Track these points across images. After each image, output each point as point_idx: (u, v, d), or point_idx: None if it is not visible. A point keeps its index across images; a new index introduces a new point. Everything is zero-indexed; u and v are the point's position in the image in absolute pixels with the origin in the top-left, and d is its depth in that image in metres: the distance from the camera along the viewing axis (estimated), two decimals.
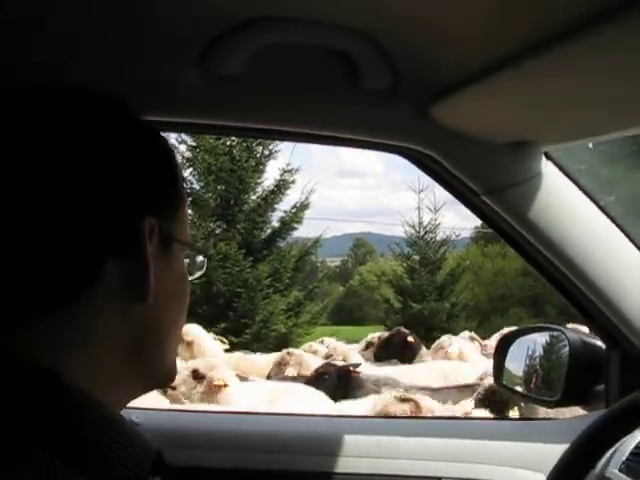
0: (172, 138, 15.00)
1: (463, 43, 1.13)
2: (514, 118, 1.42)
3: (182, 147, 16.18)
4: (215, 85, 1.34)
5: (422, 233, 19.62)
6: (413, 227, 19.69)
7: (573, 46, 0.95)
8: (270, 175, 17.21)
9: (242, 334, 15.05)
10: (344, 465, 1.77)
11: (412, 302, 18.85)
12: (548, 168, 1.57)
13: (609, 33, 0.90)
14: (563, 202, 1.59)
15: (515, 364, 2.14)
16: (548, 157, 1.57)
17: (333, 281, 34.06)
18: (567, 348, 1.92)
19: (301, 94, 1.42)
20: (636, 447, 1.66)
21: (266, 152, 16.67)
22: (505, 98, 1.28)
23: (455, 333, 11.05)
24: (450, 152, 1.53)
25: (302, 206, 17.26)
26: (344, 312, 31.25)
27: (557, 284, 1.73)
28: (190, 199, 15.40)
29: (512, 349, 2.12)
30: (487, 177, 1.57)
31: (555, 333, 1.98)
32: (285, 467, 1.77)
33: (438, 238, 19.71)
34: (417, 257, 19.70)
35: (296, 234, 17.94)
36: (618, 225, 1.65)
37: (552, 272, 1.69)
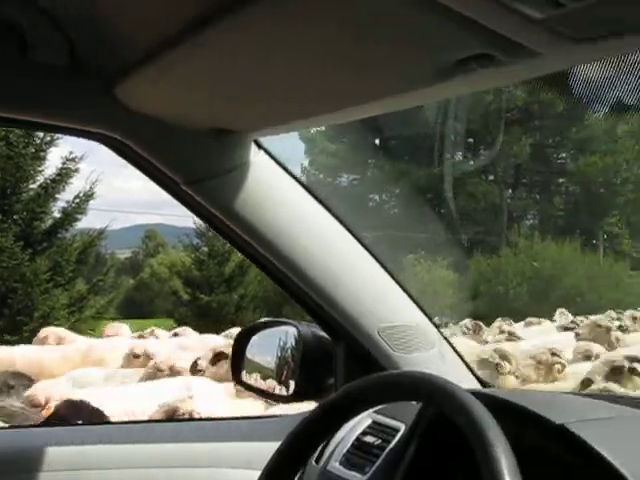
0: None
1: (136, 21, 1.06)
2: (199, 102, 1.35)
3: None
4: None
5: None
6: None
7: (225, 26, 0.90)
8: (52, 163, 16.43)
9: (19, 332, 14.26)
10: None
11: (201, 294, 18.78)
12: (259, 157, 1.52)
13: (256, 12, 0.85)
14: (275, 194, 1.55)
15: (263, 359, 2.12)
16: (259, 146, 1.53)
17: (123, 273, 33.13)
18: (300, 343, 1.93)
19: None
20: (357, 439, 1.69)
21: (47, 139, 15.90)
22: (178, 79, 1.22)
23: (243, 325, 11.07)
24: (144, 138, 1.44)
25: (86, 196, 16.63)
26: (134, 305, 30.53)
27: (275, 278, 1.70)
28: None
29: (252, 344, 2.10)
30: (187, 166, 1.49)
31: (289, 328, 1.97)
32: None
33: None
34: (206, 249, 19.63)
35: (83, 225, 17.29)
36: (338, 218, 1.65)
37: (268, 266, 1.66)
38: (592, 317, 10.74)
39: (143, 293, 33.37)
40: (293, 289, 1.69)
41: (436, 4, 0.72)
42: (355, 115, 1.23)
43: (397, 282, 1.78)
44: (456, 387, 1.15)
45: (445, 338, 1.93)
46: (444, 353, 1.88)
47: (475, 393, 1.19)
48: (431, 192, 27.30)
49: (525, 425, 1.26)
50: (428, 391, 1.19)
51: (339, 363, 1.83)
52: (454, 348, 1.97)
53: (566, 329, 11.16)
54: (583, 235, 26.70)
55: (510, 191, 28.48)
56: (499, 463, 0.99)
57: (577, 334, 8.69)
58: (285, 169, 1.55)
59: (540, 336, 10.78)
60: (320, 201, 1.62)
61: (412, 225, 24.01)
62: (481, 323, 13.30)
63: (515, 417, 1.26)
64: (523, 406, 1.27)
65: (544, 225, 27.38)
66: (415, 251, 24.44)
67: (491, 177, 28.11)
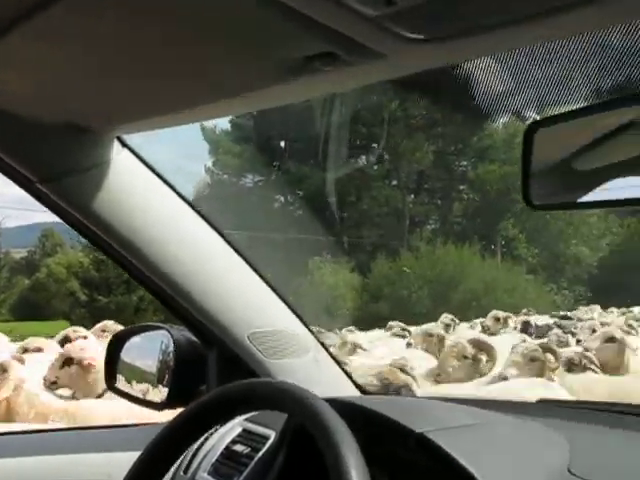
0: None
1: None
2: (49, 95, 1.25)
3: None
4: None
5: None
6: None
7: (59, 12, 0.84)
8: None
9: None
10: None
11: (99, 295, 18.38)
12: (122, 156, 1.45)
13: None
14: (139, 194, 1.49)
15: (140, 364, 2.06)
16: (123, 144, 1.46)
17: (18, 273, 32.05)
18: (173, 348, 1.88)
19: None
20: (226, 448, 1.65)
21: None
22: (19, 69, 1.12)
23: None
24: None
25: None
26: (30, 306, 29.59)
27: (140, 282, 1.65)
28: None
29: (128, 349, 2.03)
30: (42, 163, 1.40)
31: (162, 332, 1.92)
32: None
33: None
34: None
35: None
36: (208, 221, 1.61)
37: (132, 270, 1.60)
38: (424, 326, 10.17)
39: (39, 294, 32.37)
40: (159, 292, 1.63)
41: (274, 1, 0.69)
42: (210, 114, 1.19)
43: (271, 287, 1.75)
44: (309, 395, 1.13)
45: (322, 344, 1.91)
46: (319, 359, 1.86)
47: (331, 401, 1.17)
48: (336, 195, 27.55)
49: (386, 433, 1.25)
50: (281, 399, 1.16)
51: (211, 369, 1.79)
52: (331, 354, 1.95)
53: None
54: (482, 240, 27.46)
55: (413, 196, 29.01)
56: (347, 473, 0.97)
57: (409, 344, 8.27)
58: (151, 169, 1.49)
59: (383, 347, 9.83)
60: (189, 203, 1.56)
61: (317, 228, 24.15)
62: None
63: (376, 425, 1.25)
64: (383, 414, 1.25)
65: (445, 230, 28.00)
66: (320, 254, 24.60)
67: (394, 182, 28.55)
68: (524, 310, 16.36)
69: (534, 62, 1.11)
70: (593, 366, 6.06)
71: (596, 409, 2.00)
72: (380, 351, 8.39)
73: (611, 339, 6.40)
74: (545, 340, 8.43)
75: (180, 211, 1.56)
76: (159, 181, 1.51)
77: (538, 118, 1.20)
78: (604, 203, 1.21)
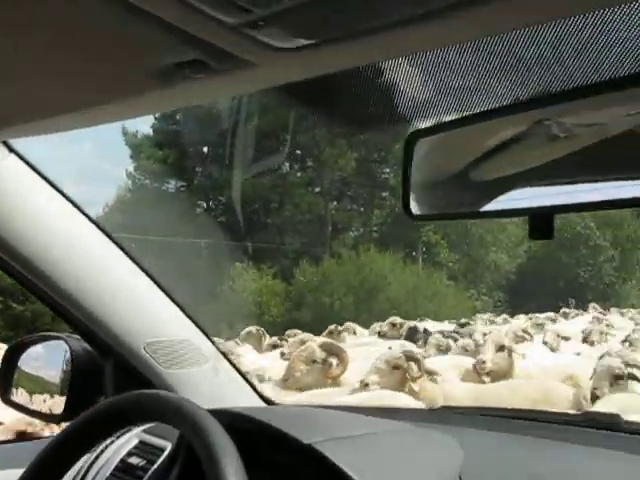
0: None
1: None
2: None
3: None
4: None
5: None
6: None
7: None
8: None
9: None
10: None
11: (13, 303, 17.83)
12: (7, 161, 1.41)
13: None
14: (26, 201, 1.45)
15: (41, 374, 1.99)
16: (10, 149, 1.42)
17: None
18: (70, 358, 1.83)
19: None
20: (121, 461, 1.61)
21: None
22: None
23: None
24: None
25: None
26: None
27: (31, 291, 1.60)
28: None
29: (26, 359, 1.97)
30: None
31: (59, 342, 1.87)
32: None
33: None
34: None
35: None
36: (102, 230, 1.57)
37: (23, 280, 1.55)
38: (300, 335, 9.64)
39: None
40: (51, 302, 1.58)
41: (137, 8, 0.68)
42: (94, 120, 1.16)
43: (169, 296, 1.73)
44: (191, 407, 1.11)
45: (222, 353, 1.89)
46: (220, 369, 1.84)
47: (219, 412, 1.15)
48: (258, 201, 27.48)
49: (274, 444, 1.24)
50: (164, 412, 1.14)
51: (108, 380, 1.75)
52: (232, 363, 1.94)
53: (274, 347, 10.00)
54: (404, 247, 27.77)
55: (335, 203, 29.15)
56: None
57: (282, 353, 7.99)
58: (40, 174, 1.45)
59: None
60: (81, 211, 1.53)
61: (240, 234, 24.05)
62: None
63: (265, 436, 1.24)
64: (271, 425, 1.24)
65: (367, 236, 28.24)
66: (242, 260, 24.49)
67: (317, 189, 28.65)
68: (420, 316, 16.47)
69: (447, 68, 1.12)
70: (484, 374, 6.20)
71: (495, 415, 2.04)
72: (248, 358, 8.10)
73: (501, 347, 6.46)
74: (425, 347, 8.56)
75: (70, 217, 1.52)
76: (48, 186, 1.47)
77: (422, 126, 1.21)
78: (485, 214, 1.23)
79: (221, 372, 1.85)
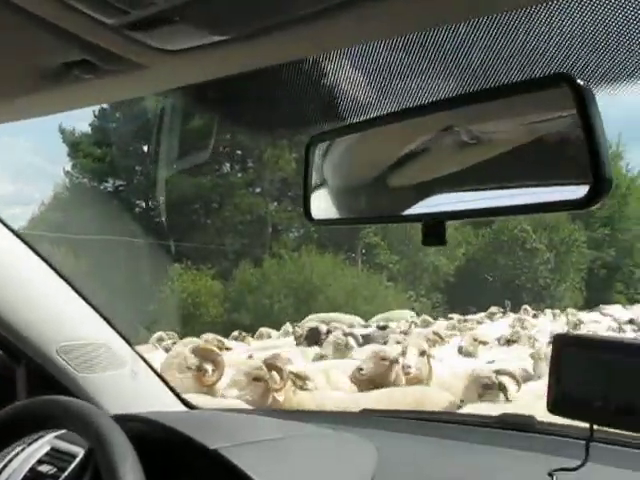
0: None
1: None
2: None
3: None
4: None
5: None
6: None
7: None
8: None
9: None
10: None
11: None
12: None
13: None
14: None
15: None
16: None
17: None
18: None
19: None
20: (31, 469, 1.57)
21: None
22: None
23: None
24: None
25: None
26: None
27: None
28: None
29: None
30: None
31: None
32: None
33: None
34: None
35: None
36: (13, 231, 1.53)
37: None
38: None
39: None
40: None
41: (15, 6, 0.66)
42: None
43: (85, 300, 1.69)
44: (93, 413, 1.09)
45: (141, 357, 1.87)
46: (137, 372, 1.81)
47: (124, 418, 1.13)
48: (199, 201, 27.27)
49: (181, 449, 1.22)
50: (67, 418, 1.11)
51: (20, 385, 1.70)
52: (152, 368, 1.91)
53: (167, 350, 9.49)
54: (344, 248, 27.89)
55: (276, 204, 29.09)
56: None
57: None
58: None
59: None
60: None
61: (179, 235, 23.82)
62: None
63: (171, 442, 1.22)
64: (178, 430, 1.22)
65: (308, 237, 28.22)
66: (181, 261, 24.26)
67: (258, 189, 28.56)
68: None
69: (348, 70, 1.11)
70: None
71: (413, 418, 2.06)
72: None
73: (384, 358, 6.34)
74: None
75: None
76: None
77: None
78: (382, 219, 1.24)
79: (140, 376, 1.82)
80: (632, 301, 34.99)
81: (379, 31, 0.81)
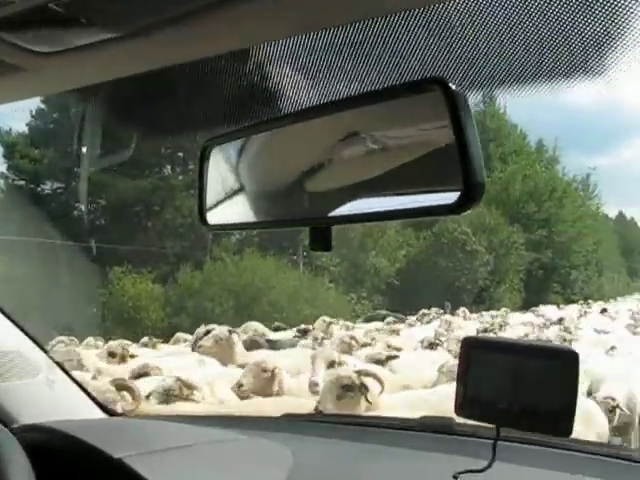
0: None
1: None
2: None
3: None
4: None
5: None
6: None
7: None
8: None
9: None
10: None
11: None
12: None
13: None
14: None
15: None
16: None
17: None
18: None
19: None
20: None
21: None
22: None
23: None
24: None
25: None
26: None
27: None
28: None
29: None
30: None
31: None
32: None
33: None
34: None
35: None
36: None
37: None
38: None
39: None
40: None
41: None
42: None
43: None
44: None
45: (58, 364, 1.83)
46: (54, 380, 1.78)
47: (22, 428, 1.11)
48: (139, 204, 26.92)
49: (85, 458, 1.21)
50: None
51: None
52: (70, 375, 1.88)
53: None
54: (285, 251, 27.86)
55: None
56: None
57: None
58: None
59: None
60: None
61: (119, 238, 23.49)
62: None
63: (75, 451, 1.21)
64: (82, 439, 1.21)
65: (249, 241, 28.11)
66: (121, 264, 23.92)
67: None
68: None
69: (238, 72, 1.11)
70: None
71: (335, 422, 2.06)
72: None
73: (265, 370, 6.24)
74: None
75: None
76: None
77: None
78: (272, 224, 1.24)
79: (57, 384, 1.78)
80: (568, 301, 35.87)
81: (272, 32, 0.81)
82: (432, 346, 9.97)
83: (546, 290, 38.88)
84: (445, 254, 32.47)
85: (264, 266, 25.13)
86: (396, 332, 13.30)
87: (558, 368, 1.24)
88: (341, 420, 2.15)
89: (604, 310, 24.04)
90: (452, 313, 22.04)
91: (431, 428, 1.88)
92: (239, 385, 6.10)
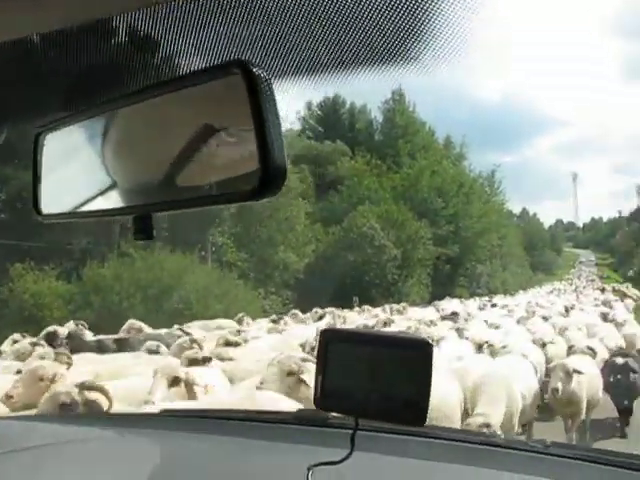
0: None
1: None
2: None
3: None
4: None
5: None
6: None
7: None
8: None
9: None
10: None
11: None
12: None
13: None
14: None
15: None
16: None
17: None
18: None
19: None
20: None
21: None
22: None
23: None
24: None
25: None
26: None
27: None
28: None
29: None
30: None
31: None
32: None
33: None
34: None
35: None
36: None
37: None
38: None
39: None
40: None
41: None
42: None
43: None
44: None
45: None
46: None
47: None
48: None
49: None
50: None
51: None
52: None
53: None
54: (197, 246, 27.47)
55: None
56: None
57: None
58: None
59: None
60: None
61: (20, 233, 22.79)
62: None
63: None
64: None
65: (157, 236, 27.54)
66: (23, 260, 23.21)
67: None
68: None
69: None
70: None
71: (214, 417, 2.10)
72: None
73: (42, 379, 5.42)
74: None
75: None
76: None
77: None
78: (101, 213, 1.21)
79: None
80: (473, 294, 36.71)
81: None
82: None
83: (452, 284, 39.66)
84: (354, 249, 32.69)
85: (173, 262, 24.76)
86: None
87: (413, 358, 1.23)
88: (220, 415, 2.17)
89: (494, 305, 24.04)
90: (360, 307, 22.08)
91: (306, 421, 1.92)
92: (8, 397, 5.31)
